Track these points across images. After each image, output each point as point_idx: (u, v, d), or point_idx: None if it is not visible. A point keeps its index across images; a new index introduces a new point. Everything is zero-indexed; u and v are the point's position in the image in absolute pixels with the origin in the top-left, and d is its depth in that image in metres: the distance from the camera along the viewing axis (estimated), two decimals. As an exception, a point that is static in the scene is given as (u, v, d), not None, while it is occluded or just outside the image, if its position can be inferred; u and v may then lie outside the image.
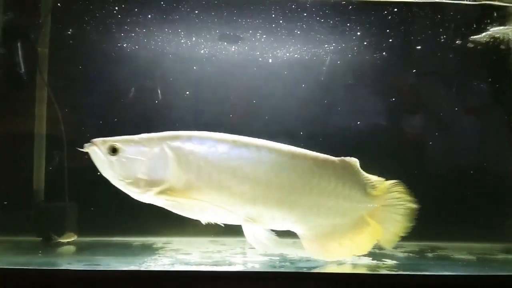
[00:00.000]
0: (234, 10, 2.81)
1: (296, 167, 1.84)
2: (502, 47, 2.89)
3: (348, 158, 1.96)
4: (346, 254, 2.02)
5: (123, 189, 1.73)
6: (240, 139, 1.80)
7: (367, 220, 1.98)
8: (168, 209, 1.77)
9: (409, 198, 2.02)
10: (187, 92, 2.87)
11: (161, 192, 1.69)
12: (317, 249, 1.97)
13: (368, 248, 2.01)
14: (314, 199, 1.88)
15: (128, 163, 1.68)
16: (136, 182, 1.69)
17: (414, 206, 2.01)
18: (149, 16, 2.78)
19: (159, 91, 2.85)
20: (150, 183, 1.69)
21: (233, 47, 2.87)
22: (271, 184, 1.79)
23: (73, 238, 2.66)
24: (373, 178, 2.00)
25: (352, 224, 1.96)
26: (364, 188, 1.96)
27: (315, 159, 1.89)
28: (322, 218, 1.92)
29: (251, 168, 1.76)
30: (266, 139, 1.89)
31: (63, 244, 2.60)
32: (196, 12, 2.78)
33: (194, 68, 2.87)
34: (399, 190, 2.01)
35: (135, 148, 1.71)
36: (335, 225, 1.95)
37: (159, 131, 1.82)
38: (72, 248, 2.59)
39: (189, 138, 1.75)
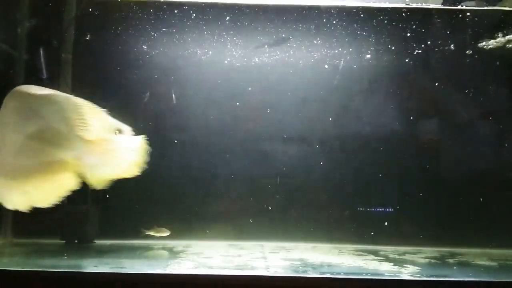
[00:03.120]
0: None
1: None
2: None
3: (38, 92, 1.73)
4: (23, 204, 1.71)
5: None
6: None
7: (65, 167, 1.72)
8: None
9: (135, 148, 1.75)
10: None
11: None
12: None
13: (52, 200, 1.73)
14: None
15: None
16: None
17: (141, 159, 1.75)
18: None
19: (172, 96, 2.88)
20: None
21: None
22: None
23: (165, 233, 2.63)
24: (100, 122, 1.74)
25: (42, 169, 1.71)
26: (71, 130, 1.70)
27: None
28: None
29: None
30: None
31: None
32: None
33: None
34: (127, 139, 1.77)
35: None
36: (20, 166, 1.70)
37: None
38: (165, 253, 2.55)
39: None
